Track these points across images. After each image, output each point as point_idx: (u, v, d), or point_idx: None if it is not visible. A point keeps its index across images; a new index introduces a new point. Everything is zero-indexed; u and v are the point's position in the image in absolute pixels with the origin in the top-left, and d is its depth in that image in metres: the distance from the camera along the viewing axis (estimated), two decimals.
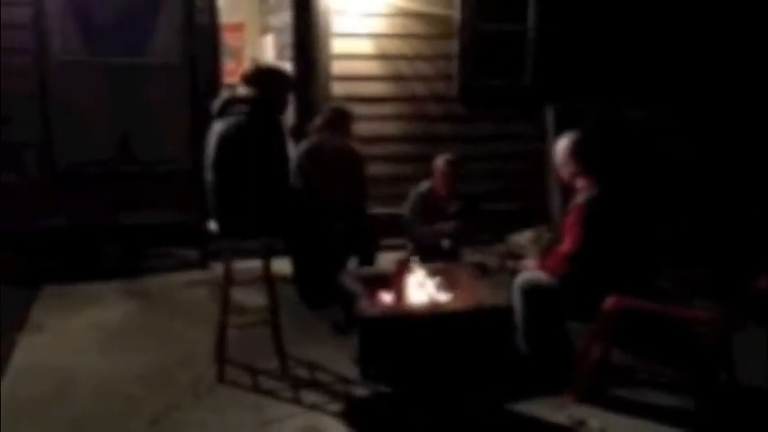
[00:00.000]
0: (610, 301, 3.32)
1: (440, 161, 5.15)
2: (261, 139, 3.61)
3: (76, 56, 5.48)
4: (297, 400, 3.43)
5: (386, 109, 6.15)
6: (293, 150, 4.94)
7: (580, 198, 3.62)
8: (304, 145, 5.01)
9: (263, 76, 3.83)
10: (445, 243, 5.04)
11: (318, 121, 5.05)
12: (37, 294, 4.82)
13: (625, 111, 5.98)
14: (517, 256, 4.23)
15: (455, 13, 6.20)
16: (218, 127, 3.67)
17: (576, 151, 3.72)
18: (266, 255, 3.72)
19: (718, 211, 5.71)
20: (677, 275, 4.61)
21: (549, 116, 6.17)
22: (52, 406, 3.36)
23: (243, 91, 3.83)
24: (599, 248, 3.46)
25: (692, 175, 5.99)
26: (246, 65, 7.75)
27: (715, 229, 5.56)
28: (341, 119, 4.99)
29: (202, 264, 5.49)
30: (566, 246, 3.52)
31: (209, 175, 3.68)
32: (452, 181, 5.12)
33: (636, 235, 3.62)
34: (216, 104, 3.75)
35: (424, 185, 5.20)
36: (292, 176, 4.28)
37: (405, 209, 5.18)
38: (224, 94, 3.85)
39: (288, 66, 6.15)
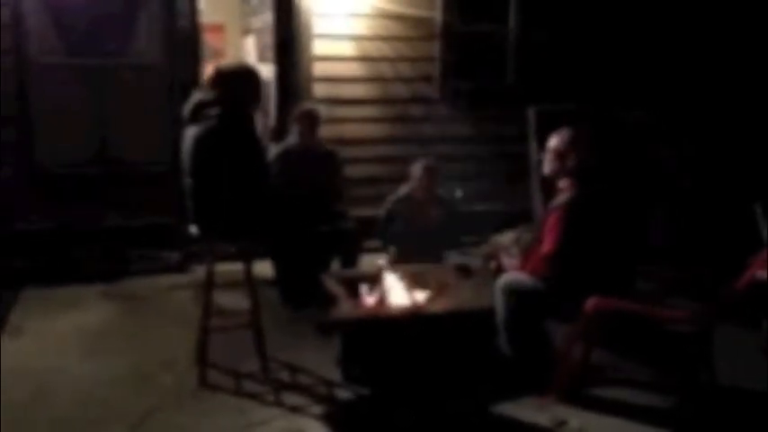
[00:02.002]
0: (591, 302, 3.34)
1: (417, 167, 5.12)
2: (235, 141, 3.56)
3: (55, 57, 5.43)
4: (279, 403, 3.42)
5: (368, 111, 6.15)
6: (273, 151, 4.95)
7: (560, 199, 3.61)
8: (281, 146, 5.02)
9: (225, 78, 3.70)
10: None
11: (291, 122, 5.06)
12: (16, 297, 4.78)
13: (611, 111, 6.01)
14: (497, 256, 4.23)
15: (437, 15, 6.20)
16: (191, 132, 3.61)
17: (579, 143, 3.60)
18: (247, 257, 3.71)
19: (696, 210, 5.75)
20: (656, 275, 4.64)
21: (531, 117, 6.19)
22: (32, 410, 3.33)
23: (211, 94, 3.70)
24: (580, 250, 3.47)
25: (674, 175, 6.03)
26: None
27: (695, 229, 5.60)
28: (309, 119, 4.99)
29: (183, 267, 5.45)
30: (546, 247, 3.52)
31: (186, 180, 3.65)
32: (431, 186, 5.12)
33: (618, 236, 3.63)
34: (186, 109, 3.67)
35: (403, 190, 5.18)
36: (272, 177, 4.26)
37: (381, 211, 5.17)
38: (194, 98, 3.74)
39: (269, 67, 6.14)
